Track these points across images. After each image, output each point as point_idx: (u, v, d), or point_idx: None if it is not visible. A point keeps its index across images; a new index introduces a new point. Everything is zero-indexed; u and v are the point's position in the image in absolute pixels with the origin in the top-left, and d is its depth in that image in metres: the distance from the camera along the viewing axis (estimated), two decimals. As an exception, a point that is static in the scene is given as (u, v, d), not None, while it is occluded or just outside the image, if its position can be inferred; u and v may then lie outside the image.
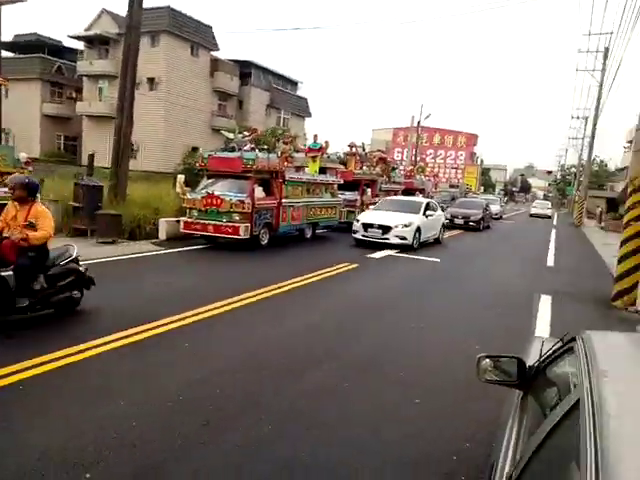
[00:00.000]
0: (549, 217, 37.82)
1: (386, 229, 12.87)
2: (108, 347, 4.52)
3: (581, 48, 34.90)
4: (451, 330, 5.96)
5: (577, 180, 46.38)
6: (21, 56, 41.99)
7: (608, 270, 11.42)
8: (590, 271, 12.05)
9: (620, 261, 8.17)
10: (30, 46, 41.55)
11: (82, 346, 4.45)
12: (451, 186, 43.83)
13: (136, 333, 4.91)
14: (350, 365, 4.50)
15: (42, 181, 12.42)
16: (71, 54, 42.57)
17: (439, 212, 15.56)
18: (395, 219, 13.10)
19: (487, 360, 2.29)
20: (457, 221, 21.05)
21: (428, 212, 14.14)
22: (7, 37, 40.44)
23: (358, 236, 13.29)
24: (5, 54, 39.03)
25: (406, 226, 12.90)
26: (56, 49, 43.19)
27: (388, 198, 16.37)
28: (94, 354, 4.34)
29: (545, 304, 7.61)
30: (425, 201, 15.12)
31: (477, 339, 5.51)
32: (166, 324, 5.26)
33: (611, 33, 27.17)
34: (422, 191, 24.05)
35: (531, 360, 2.51)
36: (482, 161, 69.57)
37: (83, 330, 4.95)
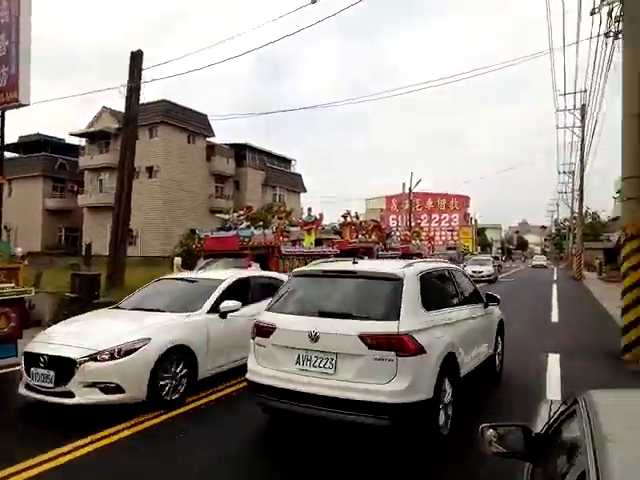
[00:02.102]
0: (546, 267, 51.73)
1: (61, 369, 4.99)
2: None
3: (559, 106, 36.78)
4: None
5: (572, 233, 46.89)
6: (25, 155, 44.01)
7: (615, 322, 11.18)
8: (596, 324, 11.80)
9: (624, 312, 8.01)
10: (34, 145, 43.70)
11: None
12: (448, 248, 44.16)
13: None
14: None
15: (40, 274, 12.53)
16: (73, 150, 44.66)
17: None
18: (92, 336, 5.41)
19: (491, 430, 2.16)
20: None
21: (226, 305, 6.19)
22: (12, 138, 42.72)
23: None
24: (10, 154, 41.02)
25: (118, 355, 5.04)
26: (58, 147, 45.38)
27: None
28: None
29: (554, 363, 7.38)
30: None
31: (486, 410, 5.27)
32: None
33: (585, 91, 28.72)
34: (419, 255, 24.14)
35: (540, 426, 2.38)
36: (476, 221, 70.72)
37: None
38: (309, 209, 17.28)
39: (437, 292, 4.95)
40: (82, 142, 43.02)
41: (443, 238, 57.09)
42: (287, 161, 52.71)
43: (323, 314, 4.32)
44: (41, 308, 11.34)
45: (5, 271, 7.14)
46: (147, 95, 30.08)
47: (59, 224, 44.04)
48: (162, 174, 38.08)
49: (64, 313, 10.96)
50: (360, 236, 18.72)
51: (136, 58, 14.10)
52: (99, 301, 11.08)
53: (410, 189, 42.67)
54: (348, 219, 19.00)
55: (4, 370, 6.32)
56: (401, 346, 3.86)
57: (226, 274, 7.07)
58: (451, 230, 59.40)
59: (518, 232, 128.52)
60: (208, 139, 42.40)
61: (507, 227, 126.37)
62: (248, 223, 13.40)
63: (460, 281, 5.65)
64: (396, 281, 4.28)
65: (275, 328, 4.37)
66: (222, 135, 62.89)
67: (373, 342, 3.90)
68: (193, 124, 40.28)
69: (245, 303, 6.50)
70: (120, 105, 15.11)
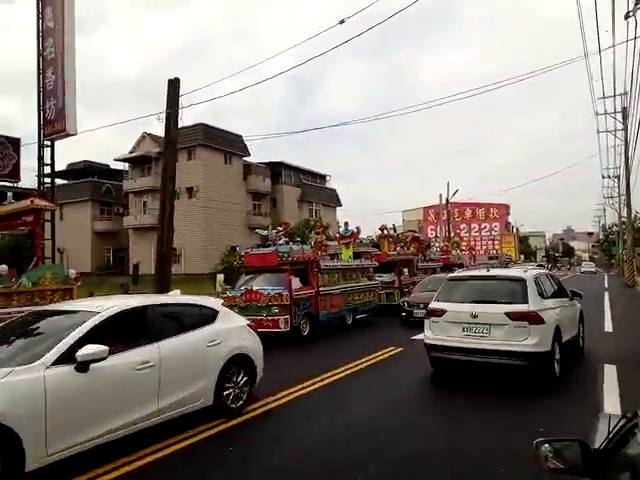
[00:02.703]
0: (595, 273, 54.88)
1: None
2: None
3: (599, 110, 35.42)
4: (509, 410, 5.53)
5: (621, 239, 44.71)
6: (73, 182, 46.42)
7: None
8: (655, 333, 11.17)
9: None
10: (81, 172, 46.05)
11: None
12: (490, 258, 43.06)
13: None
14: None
15: (91, 294, 13.10)
16: (117, 175, 46.75)
17: None
18: None
19: (546, 445, 2.09)
20: (418, 313, 12.51)
21: (86, 352, 4.18)
22: (61, 166, 45.21)
23: None
24: (60, 181, 43.37)
25: None
26: (104, 172, 47.63)
27: None
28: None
29: (610, 374, 7.02)
30: None
31: (539, 430, 5.08)
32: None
33: (626, 93, 27.61)
34: (460, 266, 23.66)
35: (599, 441, 2.28)
36: (518, 230, 68.66)
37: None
38: (346, 223, 17.31)
39: (544, 288, 7.30)
40: (125, 167, 44.99)
41: (484, 247, 55.80)
42: (322, 177, 53.18)
43: (477, 301, 6.89)
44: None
45: (61, 292, 7.54)
46: (185, 119, 31.43)
47: (106, 245, 45.98)
48: (201, 194, 39.23)
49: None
50: (398, 248, 18.57)
51: (173, 85, 14.66)
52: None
53: (447, 199, 42.01)
54: (385, 232, 18.91)
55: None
56: (531, 318, 6.35)
57: (109, 303, 4.99)
58: (492, 239, 57.96)
59: (563, 239, 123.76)
60: (244, 159, 43.43)
61: (551, 234, 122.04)
62: (286, 239, 13.54)
63: (553, 281, 8.13)
64: (522, 281, 6.83)
65: (445, 311, 7.03)
66: (258, 154, 64.26)
67: (514, 316, 6.41)
68: (229, 145, 41.40)
69: (136, 344, 4.74)
70: (160, 130, 15.72)
